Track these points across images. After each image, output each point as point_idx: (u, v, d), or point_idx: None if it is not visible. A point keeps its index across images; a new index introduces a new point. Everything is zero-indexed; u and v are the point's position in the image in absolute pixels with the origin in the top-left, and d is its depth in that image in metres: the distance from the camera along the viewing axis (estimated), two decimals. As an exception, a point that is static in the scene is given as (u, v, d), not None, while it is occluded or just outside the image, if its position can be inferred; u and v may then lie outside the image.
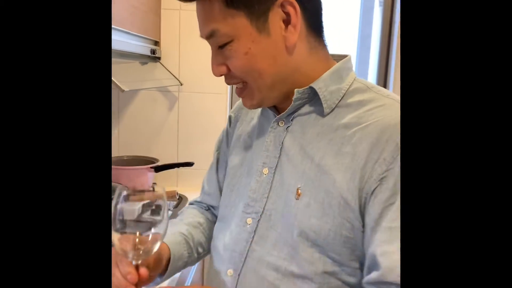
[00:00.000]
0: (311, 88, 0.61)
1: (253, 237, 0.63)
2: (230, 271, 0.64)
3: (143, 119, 1.66)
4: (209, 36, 0.59)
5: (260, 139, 0.68)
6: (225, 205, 0.71)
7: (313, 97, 0.62)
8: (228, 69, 0.61)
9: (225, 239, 0.67)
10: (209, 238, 0.76)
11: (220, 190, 0.78)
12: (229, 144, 0.77)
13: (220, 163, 0.80)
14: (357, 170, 0.55)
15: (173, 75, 1.60)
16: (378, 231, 0.53)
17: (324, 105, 0.60)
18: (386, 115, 0.56)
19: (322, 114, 0.61)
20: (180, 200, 1.51)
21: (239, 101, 0.76)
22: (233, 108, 0.80)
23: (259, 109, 0.72)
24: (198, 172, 1.64)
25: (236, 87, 0.64)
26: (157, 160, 1.58)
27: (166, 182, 1.64)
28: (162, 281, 0.69)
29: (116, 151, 1.67)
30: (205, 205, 0.84)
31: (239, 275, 0.63)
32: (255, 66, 0.58)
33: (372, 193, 0.54)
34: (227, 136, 0.79)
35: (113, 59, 1.18)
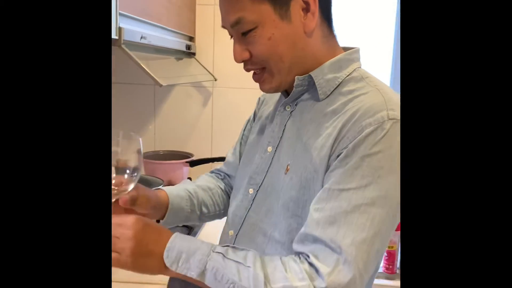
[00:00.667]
0: (310, 76, 0.66)
1: (251, 205, 0.72)
2: (231, 232, 0.74)
3: (178, 115, 1.69)
4: (234, 24, 0.65)
5: (270, 121, 0.77)
6: (238, 176, 0.80)
7: (312, 85, 0.67)
8: (250, 55, 0.66)
9: (233, 205, 0.77)
10: (217, 203, 0.86)
11: (239, 162, 0.86)
12: (253, 123, 0.86)
13: (243, 138, 0.88)
14: (328, 147, 0.61)
15: (208, 71, 1.62)
16: (320, 191, 0.59)
17: (319, 92, 0.66)
18: (363, 101, 0.61)
19: (318, 100, 0.67)
20: (215, 194, 1.53)
21: None
22: None
23: (279, 94, 0.78)
24: (232, 167, 1.65)
25: (254, 73, 0.69)
26: (192, 155, 1.60)
27: (200, 177, 1.66)
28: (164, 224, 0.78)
29: (153, 145, 1.70)
30: (222, 174, 0.91)
31: (236, 235, 0.73)
32: (277, 50, 0.64)
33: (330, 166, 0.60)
34: (254, 115, 0.88)
35: (150, 55, 1.20)
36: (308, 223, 0.59)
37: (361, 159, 0.56)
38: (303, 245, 0.58)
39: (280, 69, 0.66)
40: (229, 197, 0.86)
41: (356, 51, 0.69)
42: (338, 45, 0.70)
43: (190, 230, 1.20)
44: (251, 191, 0.72)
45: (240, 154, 0.87)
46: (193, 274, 0.58)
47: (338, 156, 0.59)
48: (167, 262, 0.58)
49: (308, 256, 0.57)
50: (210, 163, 1.60)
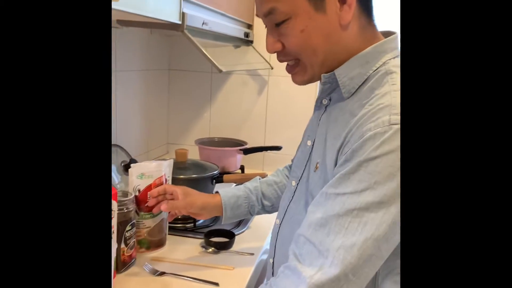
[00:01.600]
0: (333, 73, 0.64)
1: (292, 196, 0.73)
2: (277, 221, 0.77)
3: (234, 103, 1.70)
4: (267, 14, 0.63)
5: (314, 112, 0.77)
6: (292, 168, 0.81)
7: (337, 82, 0.65)
8: (283, 46, 0.65)
9: (283, 196, 0.80)
10: (277, 197, 0.91)
11: None
12: None
13: None
14: (336, 151, 0.60)
15: (264, 59, 1.60)
16: (318, 194, 0.60)
17: (343, 91, 0.64)
18: (373, 104, 0.58)
19: (342, 98, 0.65)
20: (267, 183, 1.52)
21: None
22: None
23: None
24: (284, 157, 1.63)
25: (287, 64, 0.68)
26: (245, 143, 1.61)
27: (253, 165, 1.66)
28: (223, 223, 0.93)
29: (208, 132, 1.73)
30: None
31: (280, 225, 0.75)
32: (310, 43, 0.62)
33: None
34: None
35: (209, 41, 1.20)
36: (302, 224, 0.60)
37: (358, 164, 0.55)
38: (294, 246, 0.59)
39: (312, 62, 0.64)
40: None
41: (391, 40, 0.65)
42: (377, 35, 0.66)
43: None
44: (293, 183, 0.73)
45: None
46: None
47: (339, 160, 0.59)
48: None
49: (293, 260, 0.58)
50: (263, 152, 1.60)
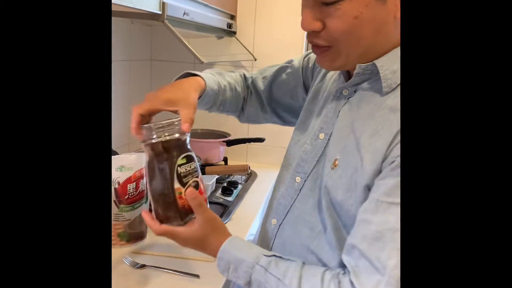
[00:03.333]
0: (374, 64, 0.59)
1: (298, 194, 0.67)
2: (274, 221, 0.71)
3: (217, 94, 1.68)
4: None
5: (325, 101, 0.70)
6: (288, 154, 0.75)
7: (376, 74, 0.59)
8: (323, 27, 0.57)
9: (278, 192, 0.73)
10: (236, 105, 0.90)
11: (271, 87, 0.88)
12: (307, 68, 0.83)
13: (286, 78, 0.87)
14: (382, 152, 0.55)
15: (248, 50, 1.59)
16: (368, 200, 0.55)
17: (384, 84, 0.58)
18: None
19: (381, 92, 0.59)
20: (250, 175, 1.52)
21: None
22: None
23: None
24: (268, 148, 1.64)
25: (316, 45, 0.61)
26: (229, 134, 1.60)
27: (236, 157, 1.66)
28: (203, 105, 0.82)
29: (190, 124, 1.71)
30: (250, 79, 0.91)
31: (280, 225, 0.70)
32: (358, 32, 0.56)
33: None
34: (306, 69, 0.84)
35: (191, 32, 1.19)
36: (354, 233, 0.56)
37: None
38: (349, 257, 0.56)
39: (351, 51, 0.58)
40: (245, 103, 0.91)
41: None
42: None
43: (225, 209, 1.21)
44: (298, 179, 0.68)
45: (274, 81, 0.88)
46: (241, 283, 0.62)
47: (390, 163, 0.53)
48: (219, 270, 0.64)
49: (350, 273, 0.55)
50: (247, 144, 1.60)
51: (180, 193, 0.63)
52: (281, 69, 0.88)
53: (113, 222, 0.92)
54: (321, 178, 0.63)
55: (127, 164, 0.91)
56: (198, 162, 0.66)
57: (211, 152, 1.52)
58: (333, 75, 0.73)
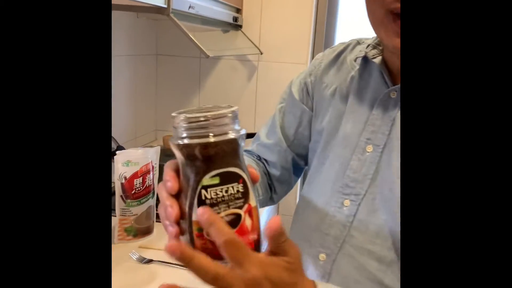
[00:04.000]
0: None
1: (352, 221, 0.57)
2: (322, 256, 0.59)
3: (223, 88, 1.68)
4: None
5: (361, 105, 0.60)
6: (314, 180, 0.65)
7: None
8: None
9: (312, 219, 0.61)
10: (262, 186, 0.72)
11: (281, 146, 0.73)
12: (307, 97, 0.71)
13: (286, 115, 0.75)
14: None
15: (254, 44, 1.58)
16: None
17: None
18: None
19: None
20: (256, 170, 1.52)
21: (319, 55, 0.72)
22: (319, 56, 0.74)
23: (354, 63, 0.65)
24: (275, 143, 1.63)
25: (397, 14, 0.50)
26: (235, 129, 1.59)
27: (242, 152, 1.65)
28: None
29: (196, 119, 1.71)
30: (256, 155, 0.78)
31: (333, 261, 0.58)
32: None
33: None
34: (306, 88, 0.72)
35: (197, 26, 1.18)
36: None
37: None
38: None
39: None
40: (273, 184, 0.74)
41: None
42: None
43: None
44: (347, 203, 0.58)
45: (284, 136, 0.74)
46: None
47: None
48: None
49: None
50: (252, 139, 1.59)
51: (201, 230, 0.40)
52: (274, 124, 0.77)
53: (120, 217, 0.92)
54: (385, 198, 0.54)
55: (133, 159, 0.91)
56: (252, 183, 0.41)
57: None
58: (343, 73, 0.65)
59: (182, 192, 0.41)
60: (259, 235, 0.41)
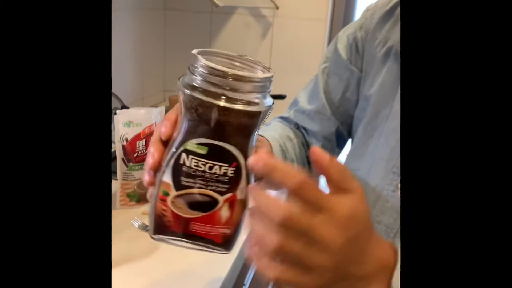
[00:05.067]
0: None
1: None
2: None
3: (235, 46, 1.57)
4: None
5: None
6: (359, 154, 0.57)
7: None
8: None
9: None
10: (299, 159, 0.64)
11: (324, 113, 0.65)
12: (356, 56, 0.61)
13: (331, 78, 0.64)
14: None
15: (269, -3, 1.46)
16: None
17: None
18: None
19: None
20: (269, 134, 1.44)
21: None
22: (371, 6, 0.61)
23: None
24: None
25: None
26: (247, 91, 1.50)
27: (255, 115, 1.57)
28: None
29: (207, 79, 1.62)
30: (294, 123, 0.70)
31: None
32: None
33: None
34: (350, 46, 0.61)
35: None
36: None
37: None
38: None
39: None
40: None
41: None
42: None
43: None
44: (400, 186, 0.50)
45: (328, 101, 0.64)
46: None
47: None
48: None
49: None
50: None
51: (166, 193, 0.35)
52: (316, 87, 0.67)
53: (121, 182, 0.86)
54: None
55: (135, 119, 0.83)
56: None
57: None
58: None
59: (169, 144, 0.35)
60: (232, 233, 0.36)
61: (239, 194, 0.35)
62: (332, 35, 1.51)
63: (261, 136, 0.54)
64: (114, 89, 1.29)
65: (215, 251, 0.37)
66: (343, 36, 0.64)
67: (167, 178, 0.34)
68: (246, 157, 0.34)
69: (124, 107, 1.22)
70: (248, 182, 0.35)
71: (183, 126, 0.34)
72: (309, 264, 0.30)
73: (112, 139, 1.09)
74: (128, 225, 0.80)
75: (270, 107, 0.34)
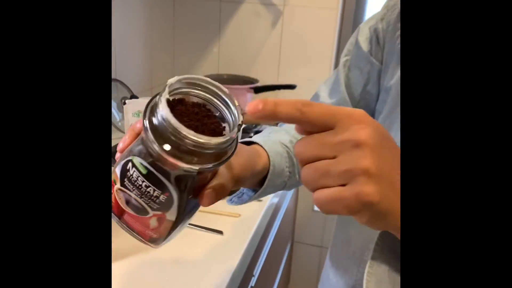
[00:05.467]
0: None
1: None
2: None
3: (245, 35, 1.55)
4: None
5: None
6: None
7: None
8: None
9: None
10: None
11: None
12: (377, 47, 0.59)
13: (352, 71, 0.63)
14: None
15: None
16: None
17: None
18: None
19: None
20: (280, 125, 1.43)
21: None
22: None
23: None
24: (300, 96, 1.52)
25: None
26: (256, 81, 1.49)
27: (264, 105, 1.55)
28: (252, 199, 0.53)
29: (216, 68, 1.60)
30: None
31: None
32: None
33: None
34: (371, 38, 0.60)
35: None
36: None
37: None
38: None
39: None
40: None
41: None
42: None
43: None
44: None
45: (349, 96, 0.63)
46: None
47: None
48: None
49: None
50: (276, 91, 1.48)
51: (115, 182, 0.37)
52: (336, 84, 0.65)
53: (131, 172, 0.86)
54: None
55: (145, 109, 0.83)
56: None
57: (237, 100, 1.42)
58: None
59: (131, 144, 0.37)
60: (160, 239, 0.38)
61: (168, 216, 0.36)
62: (343, 24, 1.49)
63: (260, 146, 0.52)
64: (123, 78, 1.29)
65: (144, 243, 0.39)
66: (365, 28, 0.62)
67: (117, 170, 0.36)
68: (183, 191, 0.35)
69: (133, 96, 1.22)
70: (180, 209, 0.36)
71: (140, 138, 0.35)
72: (358, 170, 0.29)
73: (123, 129, 1.09)
74: (137, 215, 0.80)
75: (213, 167, 0.34)
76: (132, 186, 0.35)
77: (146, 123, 0.33)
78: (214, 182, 0.38)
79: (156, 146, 0.32)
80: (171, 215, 0.36)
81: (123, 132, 0.99)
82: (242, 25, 1.54)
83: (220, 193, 0.38)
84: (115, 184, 0.36)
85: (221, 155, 0.34)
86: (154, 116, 0.33)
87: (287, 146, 0.58)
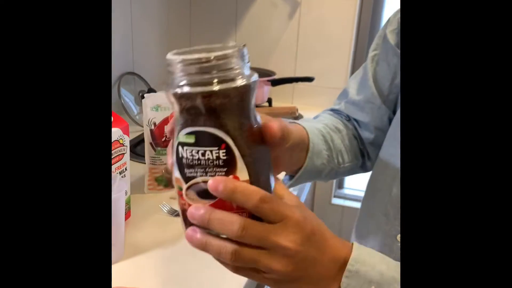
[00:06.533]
0: None
1: None
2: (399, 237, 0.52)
3: (261, 27, 1.53)
4: None
5: None
6: (397, 140, 0.55)
7: None
8: None
9: (386, 198, 0.54)
10: (353, 151, 0.63)
11: (374, 103, 0.62)
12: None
13: (380, 65, 0.62)
14: None
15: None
16: None
17: None
18: None
19: None
20: (297, 118, 1.41)
21: None
22: None
23: None
24: (317, 89, 1.50)
25: None
26: (274, 73, 1.47)
27: (281, 98, 1.53)
28: (289, 186, 0.51)
29: (232, 61, 1.59)
30: (345, 115, 0.68)
31: None
32: None
33: None
34: (399, 30, 0.59)
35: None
36: None
37: None
38: None
39: None
40: (365, 148, 0.64)
41: None
42: None
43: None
44: None
45: (378, 91, 0.62)
46: None
47: None
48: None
49: None
50: (293, 83, 1.47)
51: (180, 188, 0.35)
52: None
53: (150, 166, 0.86)
54: None
55: (163, 103, 0.82)
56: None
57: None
58: None
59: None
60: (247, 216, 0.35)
61: (241, 175, 0.34)
62: (362, 15, 1.45)
63: (299, 125, 0.52)
64: (141, 72, 1.29)
65: None
66: (394, 20, 0.61)
67: (176, 173, 0.35)
68: (237, 137, 0.33)
69: (151, 90, 1.22)
70: (247, 160, 0.34)
71: (176, 123, 0.35)
72: (269, 269, 0.34)
73: (140, 123, 1.09)
74: (157, 209, 0.80)
75: (247, 85, 0.33)
76: (194, 170, 0.34)
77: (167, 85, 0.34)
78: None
79: (179, 90, 0.32)
80: (241, 171, 0.33)
81: (141, 126, 0.99)
82: (259, 17, 1.52)
83: (280, 127, 0.36)
84: (182, 190, 0.35)
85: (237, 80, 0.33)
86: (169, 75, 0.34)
87: (322, 131, 0.59)
